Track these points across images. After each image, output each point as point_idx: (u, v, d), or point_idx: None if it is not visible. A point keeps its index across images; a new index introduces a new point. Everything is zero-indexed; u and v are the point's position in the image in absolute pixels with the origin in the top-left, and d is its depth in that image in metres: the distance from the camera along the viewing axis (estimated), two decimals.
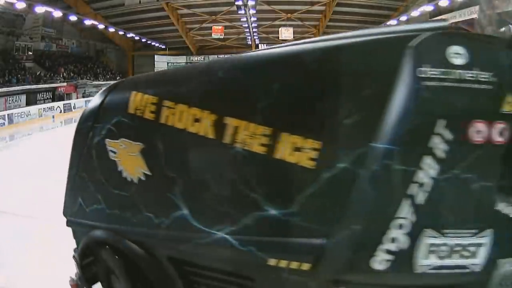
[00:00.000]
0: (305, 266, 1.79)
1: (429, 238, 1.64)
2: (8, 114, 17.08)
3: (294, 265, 1.80)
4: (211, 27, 27.86)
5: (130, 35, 27.47)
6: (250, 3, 20.13)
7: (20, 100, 19.71)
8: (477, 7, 18.68)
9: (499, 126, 1.59)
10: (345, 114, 1.68)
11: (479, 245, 1.65)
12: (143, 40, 29.19)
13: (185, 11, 27.15)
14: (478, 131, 1.58)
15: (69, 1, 23.84)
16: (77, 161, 2.50)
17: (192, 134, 1.93)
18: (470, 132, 1.57)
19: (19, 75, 20.76)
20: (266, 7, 25.59)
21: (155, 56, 31.52)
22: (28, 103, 19.88)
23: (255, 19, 24.56)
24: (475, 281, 1.73)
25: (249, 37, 29.27)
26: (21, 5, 17.59)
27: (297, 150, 1.71)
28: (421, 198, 1.60)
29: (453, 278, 1.71)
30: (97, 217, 2.41)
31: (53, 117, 19.71)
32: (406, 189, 1.59)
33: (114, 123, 2.26)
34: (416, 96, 1.60)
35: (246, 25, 25.77)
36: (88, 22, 22.84)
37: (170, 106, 2.02)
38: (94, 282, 2.74)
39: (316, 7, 26.28)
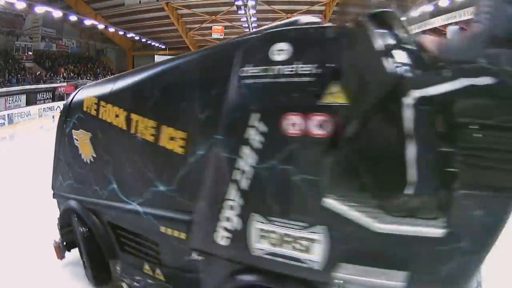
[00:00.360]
0: (183, 236, 2.19)
1: (258, 223, 1.82)
2: (8, 114, 17.05)
3: (176, 233, 2.24)
4: (211, 27, 27.85)
5: (130, 35, 27.44)
6: (250, 3, 20.12)
7: (20, 100, 19.69)
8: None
9: (317, 118, 1.59)
10: (200, 111, 2.02)
11: (312, 240, 1.69)
12: (143, 40, 29.16)
13: (185, 11, 27.13)
14: (293, 123, 1.63)
15: (69, 1, 23.81)
16: (58, 147, 3.20)
17: (115, 126, 2.51)
18: (284, 125, 1.66)
19: (19, 75, 20.74)
20: (266, 7, 25.59)
21: (155, 56, 31.43)
22: (28, 103, 19.85)
23: (255, 19, 24.54)
24: (318, 279, 1.69)
25: None
26: (21, 5, 17.57)
27: (172, 139, 2.15)
28: (245, 184, 1.81)
29: (290, 269, 1.74)
30: (69, 190, 3.09)
31: (53, 117, 19.59)
32: (231, 175, 1.84)
33: (76, 118, 2.92)
34: (236, 93, 1.84)
35: (246, 25, 25.73)
36: (88, 22, 22.80)
37: (103, 105, 2.63)
38: (74, 247, 3.32)
39: (316, 7, 26.28)
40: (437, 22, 22.21)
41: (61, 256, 3.36)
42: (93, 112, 2.71)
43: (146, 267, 2.58)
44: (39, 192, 5.28)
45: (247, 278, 1.93)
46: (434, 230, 1.50)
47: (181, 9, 26.97)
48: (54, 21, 23.18)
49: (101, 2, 25.67)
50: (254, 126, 1.75)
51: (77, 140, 2.91)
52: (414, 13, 22.33)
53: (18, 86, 19.81)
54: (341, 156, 1.62)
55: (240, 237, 1.88)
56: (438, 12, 20.74)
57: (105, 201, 2.68)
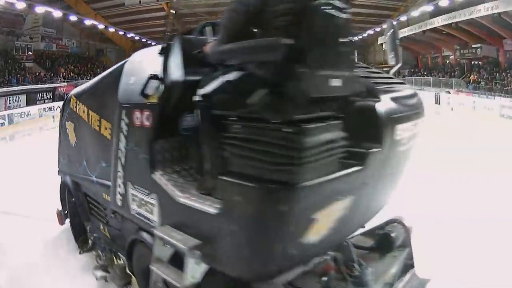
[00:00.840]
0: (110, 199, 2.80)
1: (130, 189, 2.46)
2: (8, 114, 17.09)
3: (108, 198, 2.83)
4: None
5: (130, 35, 27.49)
6: None
7: (20, 100, 19.72)
8: (477, 7, 18.60)
9: (146, 113, 2.23)
10: (113, 109, 2.58)
11: (152, 204, 2.24)
12: (143, 40, 29.18)
13: (185, 11, 27.15)
14: (137, 117, 2.29)
15: (69, 1, 23.85)
16: (59, 133, 3.99)
17: (83, 119, 3.21)
18: (134, 118, 2.32)
19: (19, 75, 20.77)
20: None
21: None
22: (28, 103, 19.88)
23: None
24: None
25: None
26: (21, 5, 17.62)
27: (105, 129, 2.82)
28: (123, 160, 2.48)
29: (147, 226, 2.31)
30: (65, 168, 3.92)
31: (53, 117, 19.62)
32: (117, 153, 2.51)
33: (67, 112, 3.69)
34: (120, 96, 2.49)
35: None
36: (88, 22, 22.85)
37: (78, 103, 3.36)
38: None
39: None
40: (437, 22, 22.23)
41: (62, 222, 4.17)
42: (74, 108, 3.45)
43: (101, 226, 3.27)
44: (40, 194, 5.29)
45: (142, 235, 2.44)
46: (210, 209, 1.80)
47: (181, 9, 26.99)
48: (54, 21, 23.22)
49: (101, 2, 25.70)
50: (123, 119, 2.42)
51: (68, 129, 3.69)
52: (414, 13, 22.37)
53: (18, 86, 19.85)
54: (163, 141, 2.27)
55: (125, 199, 2.51)
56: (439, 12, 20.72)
57: (81, 175, 3.39)
